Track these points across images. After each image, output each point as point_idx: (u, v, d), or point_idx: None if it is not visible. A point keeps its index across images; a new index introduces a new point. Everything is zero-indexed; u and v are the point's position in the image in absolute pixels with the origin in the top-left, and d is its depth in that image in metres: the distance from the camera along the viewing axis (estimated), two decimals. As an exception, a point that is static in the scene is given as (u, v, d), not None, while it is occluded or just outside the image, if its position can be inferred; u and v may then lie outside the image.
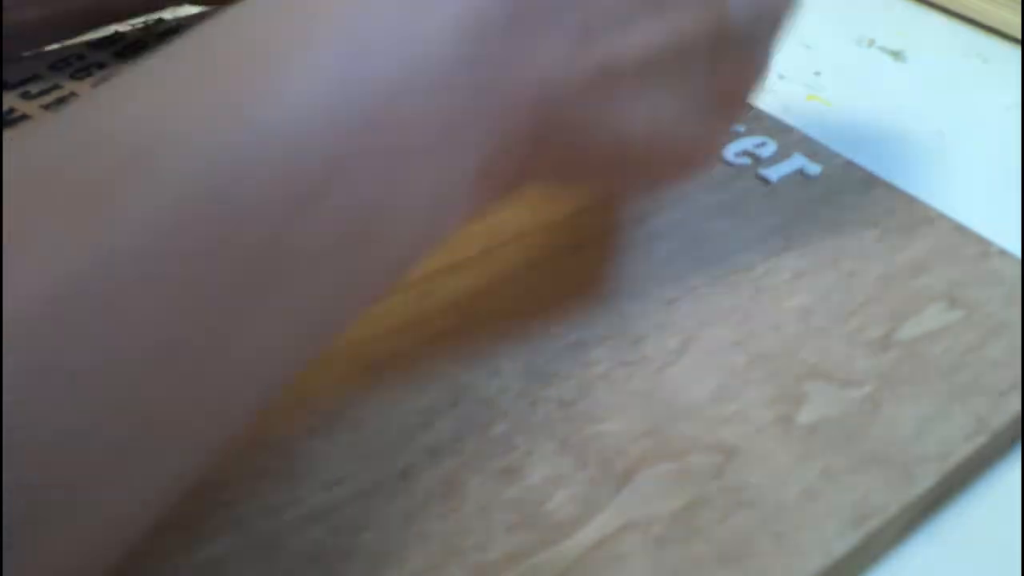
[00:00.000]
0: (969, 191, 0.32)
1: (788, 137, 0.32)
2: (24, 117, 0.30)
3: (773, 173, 0.30)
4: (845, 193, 0.29)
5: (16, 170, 0.14)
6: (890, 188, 0.30)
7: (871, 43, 0.40)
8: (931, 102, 0.36)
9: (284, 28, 0.16)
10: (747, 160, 0.31)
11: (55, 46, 0.33)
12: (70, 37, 0.33)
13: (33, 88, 0.31)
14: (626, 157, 0.21)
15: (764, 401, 0.23)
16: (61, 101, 0.31)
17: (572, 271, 0.26)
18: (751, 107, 0.33)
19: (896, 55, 0.39)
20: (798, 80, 0.37)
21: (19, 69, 0.32)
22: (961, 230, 0.28)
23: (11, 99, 0.30)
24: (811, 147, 0.31)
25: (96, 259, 0.14)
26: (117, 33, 0.35)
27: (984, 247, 0.27)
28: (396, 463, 0.21)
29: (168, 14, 0.36)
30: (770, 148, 0.31)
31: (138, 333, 0.14)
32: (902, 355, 0.24)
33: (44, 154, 0.14)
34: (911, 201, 0.29)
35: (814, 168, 0.30)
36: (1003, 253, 0.27)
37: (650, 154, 0.21)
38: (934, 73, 0.38)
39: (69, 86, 0.31)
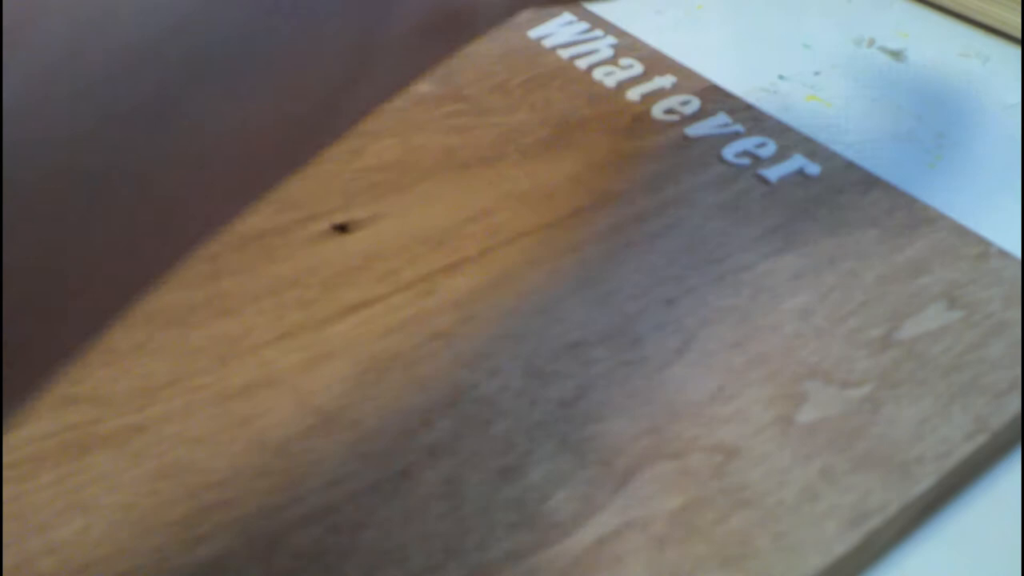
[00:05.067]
0: (969, 191, 0.32)
1: (788, 137, 0.32)
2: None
3: (773, 173, 0.30)
4: (845, 193, 0.29)
5: None
6: (890, 188, 0.30)
7: (871, 43, 0.40)
8: (931, 102, 0.36)
9: None
10: (747, 160, 0.31)
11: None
12: None
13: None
14: None
15: (764, 401, 0.23)
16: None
17: (571, 271, 0.26)
18: (750, 107, 0.33)
19: (896, 55, 0.39)
20: (798, 80, 0.37)
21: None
22: (961, 230, 0.28)
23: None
24: (811, 147, 0.31)
25: None
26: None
27: (984, 247, 0.27)
28: (396, 463, 0.21)
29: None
30: (770, 148, 0.31)
31: None
32: (902, 355, 0.24)
33: None
34: (911, 201, 0.29)
35: (814, 168, 0.30)
36: (1003, 253, 0.27)
37: None
38: (934, 73, 0.38)
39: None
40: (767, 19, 0.42)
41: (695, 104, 0.34)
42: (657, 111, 0.33)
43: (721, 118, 0.33)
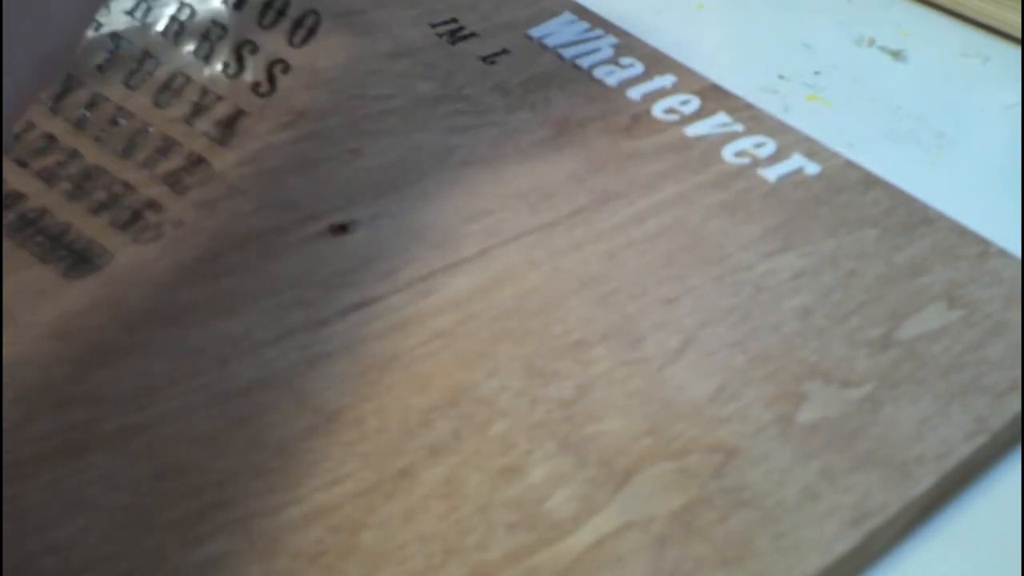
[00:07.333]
0: (969, 191, 0.32)
1: (788, 137, 0.32)
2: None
3: (772, 173, 0.30)
4: (844, 193, 0.29)
5: None
6: (890, 188, 0.30)
7: (871, 43, 0.40)
8: (931, 102, 0.36)
9: None
10: (746, 160, 0.31)
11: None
12: None
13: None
14: None
15: (764, 401, 0.23)
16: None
17: (572, 271, 0.26)
18: (750, 107, 0.33)
19: (896, 55, 0.39)
20: (798, 80, 0.37)
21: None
22: (961, 230, 0.28)
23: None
24: (811, 147, 0.31)
25: None
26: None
27: (984, 247, 0.27)
28: (396, 463, 0.21)
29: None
30: (769, 148, 0.31)
31: None
32: (902, 355, 0.24)
33: None
34: (911, 201, 0.29)
35: (814, 168, 0.30)
36: (1003, 253, 0.27)
37: None
38: (934, 73, 0.38)
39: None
40: (767, 19, 0.42)
41: (695, 104, 0.34)
42: (657, 110, 0.33)
43: (721, 118, 0.33)
